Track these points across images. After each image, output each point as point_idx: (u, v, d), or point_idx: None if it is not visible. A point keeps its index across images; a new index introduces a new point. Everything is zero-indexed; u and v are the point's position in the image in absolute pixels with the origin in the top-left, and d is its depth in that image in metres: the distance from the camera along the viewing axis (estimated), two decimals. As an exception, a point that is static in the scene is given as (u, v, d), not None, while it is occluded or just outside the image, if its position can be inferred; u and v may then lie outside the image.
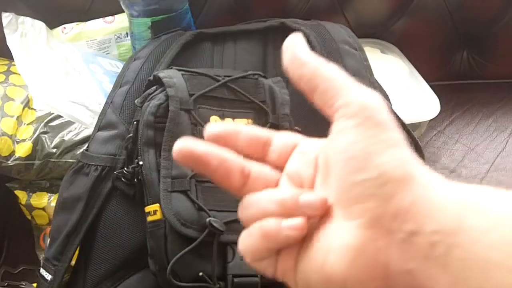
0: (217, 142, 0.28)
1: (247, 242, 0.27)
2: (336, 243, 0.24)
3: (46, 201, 0.74)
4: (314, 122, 0.64)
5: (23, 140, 0.72)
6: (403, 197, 0.23)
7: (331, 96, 0.25)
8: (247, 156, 0.29)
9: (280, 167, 0.30)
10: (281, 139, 0.30)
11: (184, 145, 0.27)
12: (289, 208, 0.26)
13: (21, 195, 0.75)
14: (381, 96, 0.25)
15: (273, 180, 0.29)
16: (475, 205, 0.22)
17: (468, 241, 0.21)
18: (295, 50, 0.27)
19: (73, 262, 0.58)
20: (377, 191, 0.23)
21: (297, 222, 0.25)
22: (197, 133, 0.55)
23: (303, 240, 0.26)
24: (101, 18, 0.85)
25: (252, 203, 0.27)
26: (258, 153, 0.30)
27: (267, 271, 0.27)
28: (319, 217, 0.26)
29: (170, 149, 0.53)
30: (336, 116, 0.25)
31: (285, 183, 0.29)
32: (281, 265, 0.27)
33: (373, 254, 0.23)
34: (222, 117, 0.57)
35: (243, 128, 0.30)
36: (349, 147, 0.24)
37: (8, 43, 0.73)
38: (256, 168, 0.29)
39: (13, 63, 0.78)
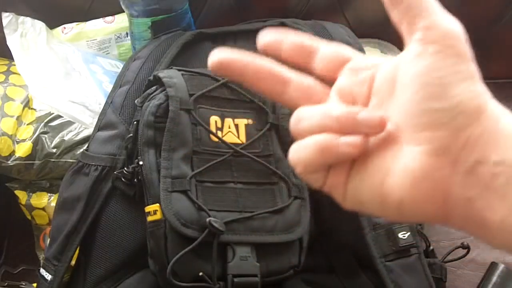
0: (264, 51, 0.29)
1: (300, 154, 0.27)
2: (398, 166, 0.25)
3: (46, 201, 0.74)
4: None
5: (23, 140, 0.72)
6: (473, 129, 0.23)
7: (415, 15, 0.25)
8: (290, 64, 0.29)
9: (325, 79, 0.29)
10: (329, 50, 0.29)
11: (216, 55, 0.28)
12: (346, 124, 0.26)
13: (21, 195, 0.75)
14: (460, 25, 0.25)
15: (318, 93, 0.29)
16: None
17: None
18: None
19: (73, 262, 0.58)
20: (450, 121, 0.23)
21: (354, 139, 0.25)
22: (197, 133, 0.55)
23: (358, 157, 0.27)
24: (101, 18, 0.85)
25: (307, 117, 0.27)
26: (303, 62, 0.30)
27: (315, 183, 0.28)
28: (377, 136, 0.26)
29: (170, 149, 0.53)
30: (415, 37, 0.25)
31: (335, 99, 0.29)
32: (331, 179, 0.27)
33: (436, 180, 0.24)
34: (222, 117, 0.57)
35: (289, 35, 0.29)
36: (427, 73, 0.24)
37: (8, 43, 0.73)
38: (299, 78, 0.29)
39: (13, 63, 0.78)
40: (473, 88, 0.24)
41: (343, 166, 0.27)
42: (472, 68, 0.24)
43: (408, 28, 0.25)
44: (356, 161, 0.27)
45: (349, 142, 0.25)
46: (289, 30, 0.30)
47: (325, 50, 0.29)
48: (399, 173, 0.25)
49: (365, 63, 0.28)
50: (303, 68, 0.30)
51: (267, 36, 0.29)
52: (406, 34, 0.26)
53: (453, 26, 0.25)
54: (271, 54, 0.29)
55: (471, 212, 0.23)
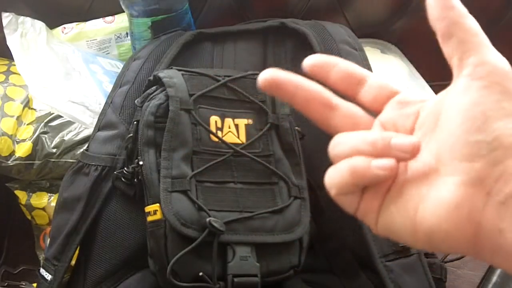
0: (311, 73, 0.30)
1: (334, 176, 0.28)
2: (433, 195, 0.25)
3: (46, 201, 0.74)
4: (314, 122, 0.64)
5: (23, 140, 0.72)
6: (509, 163, 0.24)
7: (466, 50, 0.26)
8: (338, 91, 0.31)
9: (370, 110, 0.31)
10: (378, 82, 0.31)
11: (269, 73, 0.29)
12: (380, 148, 0.27)
13: (21, 195, 0.75)
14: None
15: (364, 122, 0.30)
16: None
17: None
18: None
19: (73, 262, 0.58)
20: (488, 154, 0.24)
21: (386, 162, 0.26)
22: (197, 133, 0.55)
23: (394, 185, 0.28)
24: (101, 18, 0.85)
25: (344, 141, 0.28)
26: (350, 90, 0.31)
27: (349, 207, 0.29)
28: (414, 168, 0.27)
29: (170, 149, 0.53)
30: (464, 72, 0.26)
31: (377, 129, 0.30)
32: (364, 204, 0.28)
33: (469, 211, 0.24)
34: (222, 117, 0.57)
35: (339, 61, 0.31)
36: (472, 107, 0.25)
37: (8, 43, 0.73)
38: (347, 105, 0.30)
39: (13, 63, 0.78)
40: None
41: (377, 192, 0.28)
42: None
43: (458, 63, 0.26)
44: (391, 189, 0.28)
45: (381, 164, 0.26)
46: (338, 58, 0.31)
47: (374, 81, 0.30)
48: (433, 202, 0.25)
49: (413, 98, 0.30)
50: (349, 96, 0.31)
51: (318, 58, 0.30)
52: (455, 67, 0.26)
53: (502, 64, 0.25)
54: (318, 77, 0.30)
55: (502, 244, 0.24)
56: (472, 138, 0.24)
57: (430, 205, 0.25)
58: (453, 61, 0.27)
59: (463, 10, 0.27)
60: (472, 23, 0.26)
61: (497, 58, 0.25)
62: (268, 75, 0.30)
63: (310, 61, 0.30)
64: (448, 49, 0.27)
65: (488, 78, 0.25)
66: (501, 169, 0.24)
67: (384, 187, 0.28)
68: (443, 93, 0.27)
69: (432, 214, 0.25)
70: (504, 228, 0.23)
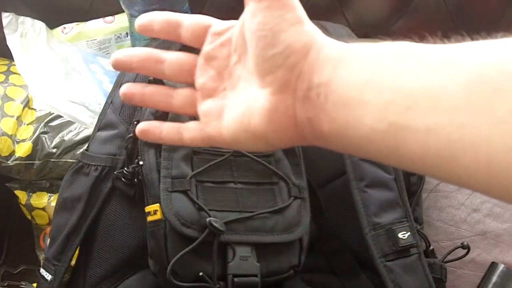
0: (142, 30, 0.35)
1: None
2: (256, 107, 0.30)
3: (46, 201, 0.74)
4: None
5: (23, 140, 0.72)
6: (303, 63, 0.28)
7: None
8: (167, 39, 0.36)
9: (195, 47, 0.35)
10: (191, 20, 0.34)
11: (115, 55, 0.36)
12: None
13: (21, 195, 0.75)
14: None
15: (189, 62, 0.35)
16: (347, 57, 0.27)
17: (338, 86, 0.27)
18: None
19: (73, 262, 0.58)
20: (284, 62, 0.28)
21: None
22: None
23: (224, 99, 0.33)
24: (101, 18, 0.85)
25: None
26: (173, 36, 0.35)
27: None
28: (235, 81, 0.33)
29: (170, 149, 0.53)
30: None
31: (201, 63, 0.34)
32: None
33: (284, 111, 0.29)
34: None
35: (157, 14, 0.35)
36: (260, 27, 0.28)
37: (8, 43, 0.73)
38: (174, 55, 0.36)
39: (13, 63, 0.78)
40: (300, 30, 0.28)
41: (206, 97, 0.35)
42: (298, 13, 0.29)
43: None
44: (225, 105, 0.33)
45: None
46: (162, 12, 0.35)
47: (188, 21, 0.34)
48: (257, 112, 0.30)
49: (222, 26, 0.33)
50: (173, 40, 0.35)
51: (141, 19, 0.35)
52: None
53: None
54: (148, 35, 0.35)
55: (314, 129, 0.29)
56: (268, 53, 0.28)
57: (257, 116, 0.30)
58: None
59: None
60: None
61: None
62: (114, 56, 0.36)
63: (137, 23, 0.35)
64: None
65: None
66: (298, 70, 0.28)
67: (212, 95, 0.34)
68: (242, 16, 0.31)
69: (261, 122, 0.30)
70: (310, 117, 0.28)
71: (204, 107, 0.34)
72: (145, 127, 0.36)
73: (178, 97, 0.36)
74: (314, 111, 0.28)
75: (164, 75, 0.36)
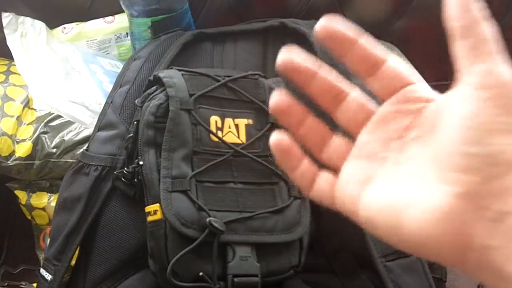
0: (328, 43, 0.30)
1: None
2: (420, 201, 0.25)
3: (46, 201, 0.74)
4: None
5: (23, 140, 0.72)
6: (507, 180, 0.23)
7: (475, 57, 0.25)
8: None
9: (381, 96, 0.30)
10: (393, 67, 0.29)
11: (285, 57, 0.29)
12: None
13: (21, 195, 0.75)
14: None
15: (367, 110, 0.30)
16: None
17: None
18: None
19: (73, 262, 0.58)
20: (486, 168, 0.23)
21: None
22: (198, 133, 0.55)
23: (374, 174, 0.28)
24: (101, 18, 0.85)
25: None
26: (367, 71, 0.30)
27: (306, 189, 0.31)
28: (400, 161, 0.27)
29: (170, 149, 0.53)
30: (469, 79, 0.25)
31: (375, 119, 0.29)
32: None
33: (459, 224, 0.23)
34: (222, 117, 0.57)
35: (357, 40, 0.30)
36: (472, 118, 0.24)
37: (8, 43, 0.73)
38: (355, 95, 0.30)
39: (13, 63, 0.78)
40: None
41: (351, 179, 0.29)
42: None
43: (465, 67, 0.25)
44: (372, 180, 0.28)
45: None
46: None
47: (390, 64, 0.29)
48: (421, 208, 0.25)
49: (422, 94, 0.28)
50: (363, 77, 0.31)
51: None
52: (461, 71, 0.25)
53: (509, 77, 0.24)
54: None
55: (490, 261, 0.23)
56: (470, 150, 0.24)
57: (419, 211, 0.25)
58: (460, 64, 0.25)
59: (481, 14, 0.25)
60: (487, 30, 0.25)
61: (505, 70, 0.24)
62: (285, 59, 0.29)
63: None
64: (457, 51, 0.26)
65: (492, 90, 0.24)
66: (498, 185, 0.23)
67: (358, 173, 0.28)
68: (446, 95, 0.27)
69: (420, 220, 0.24)
70: (494, 246, 0.23)
71: (352, 165, 0.30)
72: (286, 146, 0.30)
73: (333, 144, 0.31)
74: (505, 243, 0.23)
75: (336, 111, 0.31)
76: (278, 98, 0.30)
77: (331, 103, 0.31)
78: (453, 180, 0.24)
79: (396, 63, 0.29)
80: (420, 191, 0.25)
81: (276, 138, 0.30)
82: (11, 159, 0.71)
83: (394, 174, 0.27)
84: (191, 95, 0.56)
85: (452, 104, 0.25)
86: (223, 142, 0.55)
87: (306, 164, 0.31)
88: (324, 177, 0.31)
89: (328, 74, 0.30)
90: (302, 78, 0.30)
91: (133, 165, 0.55)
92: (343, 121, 0.30)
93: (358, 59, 0.29)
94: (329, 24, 0.29)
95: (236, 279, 0.50)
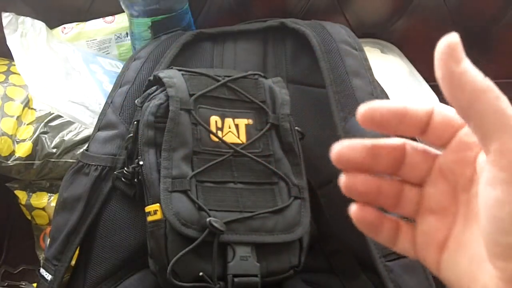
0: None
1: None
2: (482, 278, 0.25)
3: (46, 201, 0.74)
4: (314, 122, 0.64)
5: (23, 140, 0.72)
6: None
7: (486, 135, 0.22)
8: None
9: (440, 145, 0.28)
10: (441, 115, 0.27)
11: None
12: None
13: (21, 195, 0.75)
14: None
15: (429, 157, 0.28)
16: None
17: None
18: (451, 64, 0.22)
19: (73, 262, 0.58)
20: None
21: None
22: (198, 133, 0.55)
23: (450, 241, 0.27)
24: (101, 18, 0.85)
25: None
26: (421, 132, 0.28)
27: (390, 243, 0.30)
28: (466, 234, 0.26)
29: (170, 149, 0.53)
30: (488, 158, 0.23)
31: (436, 168, 0.28)
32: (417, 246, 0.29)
33: None
34: (222, 117, 0.57)
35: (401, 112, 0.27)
36: (498, 205, 0.22)
37: (8, 43, 0.73)
38: (411, 146, 0.29)
39: (13, 63, 0.78)
40: None
41: (429, 241, 0.28)
42: None
43: (483, 148, 0.23)
44: (449, 244, 0.27)
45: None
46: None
47: (437, 114, 0.27)
48: (480, 282, 0.25)
49: (473, 139, 0.26)
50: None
51: (361, 109, 0.27)
52: (481, 147, 0.23)
53: None
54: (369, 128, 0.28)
55: None
56: (502, 239, 0.22)
57: (478, 284, 0.25)
58: (478, 141, 0.23)
59: (481, 84, 0.22)
60: (492, 101, 0.22)
61: None
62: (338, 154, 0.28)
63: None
64: (470, 127, 0.23)
65: (509, 172, 0.22)
66: None
67: (436, 238, 0.28)
68: (483, 175, 0.24)
69: None
70: None
71: (427, 223, 0.28)
72: (370, 219, 0.30)
73: (405, 198, 0.29)
74: None
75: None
76: (349, 180, 0.29)
77: (394, 167, 0.29)
78: (497, 266, 0.23)
79: (442, 110, 0.27)
80: (480, 268, 0.25)
81: (359, 213, 0.29)
82: (11, 159, 0.71)
83: (465, 236, 0.26)
84: (191, 95, 0.56)
85: (482, 187, 0.24)
86: (223, 142, 0.55)
87: (387, 226, 0.30)
88: (404, 235, 0.29)
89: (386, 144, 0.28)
90: (363, 167, 0.29)
91: (133, 165, 0.55)
92: (408, 176, 0.29)
93: (411, 129, 0.27)
94: (369, 111, 0.27)
95: (236, 279, 0.50)
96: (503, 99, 0.22)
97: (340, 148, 0.28)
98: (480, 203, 0.24)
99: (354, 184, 0.29)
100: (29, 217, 0.76)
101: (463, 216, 0.26)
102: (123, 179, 0.56)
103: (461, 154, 0.26)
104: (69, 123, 0.74)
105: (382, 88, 0.67)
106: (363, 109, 0.26)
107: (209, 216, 0.50)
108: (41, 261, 0.73)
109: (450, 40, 0.22)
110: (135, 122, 0.56)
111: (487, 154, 0.23)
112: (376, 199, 0.29)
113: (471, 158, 0.26)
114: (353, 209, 0.29)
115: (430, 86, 0.86)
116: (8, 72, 0.79)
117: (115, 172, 0.57)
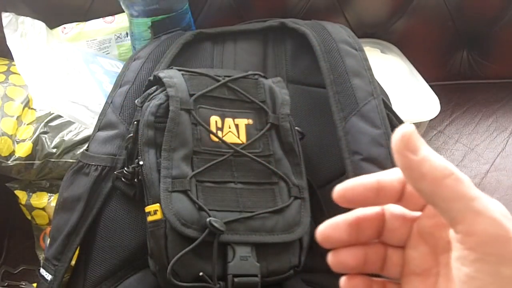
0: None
1: None
2: None
3: (46, 201, 0.74)
4: (314, 122, 0.64)
5: (23, 140, 0.72)
6: None
7: (451, 219, 0.23)
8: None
9: (416, 210, 0.29)
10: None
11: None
12: None
13: (21, 195, 0.75)
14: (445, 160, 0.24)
15: (408, 220, 0.29)
16: None
17: None
18: (408, 154, 0.23)
19: (73, 262, 0.58)
20: None
21: None
22: (198, 133, 0.55)
23: None
24: (101, 18, 0.85)
25: None
26: (396, 201, 0.29)
27: None
28: None
29: (170, 149, 0.53)
30: (457, 238, 0.24)
31: (414, 231, 0.29)
32: None
33: None
34: (223, 117, 0.57)
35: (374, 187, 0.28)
36: (468, 281, 0.23)
37: (8, 43, 0.73)
38: (391, 209, 0.30)
39: (13, 63, 0.78)
40: None
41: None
42: None
43: (449, 225, 0.24)
44: None
45: None
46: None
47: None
48: None
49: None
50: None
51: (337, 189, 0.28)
52: (449, 226, 0.24)
53: (493, 229, 0.23)
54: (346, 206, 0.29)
55: None
56: None
57: None
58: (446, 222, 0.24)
59: (441, 171, 0.23)
60: (453, 186, 0.23)
61: (486, 224, 0.23)
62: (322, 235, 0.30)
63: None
64: (437, 209, 0.24)
65: (479, 250, 0.23)
66: None
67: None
68: (453, 249, 0.25)
69: None
70: None
71: (410, 285, 0.29)
72: (351, 286, 0.31)
73: (390, 261, 0.31)
74: None
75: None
76: (337, 258, 0.30)
77: (376, 234, 0.30)
78: None
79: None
80: None
81: (349, 285, 0.31)
82: (11, 159, 0.71)
83: None
84: (191, 95, 0.56)
85: (454, 264, 0.25)
86: (223, 142, 0.55)
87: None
88: None
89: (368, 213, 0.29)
90: (350, 242, 0.30)
91: (133, 165, 0.55)
92: (389, 240, 0.30)
93: (388, 200, 0.28)
94: (343, 190, 0.27)
95: (236, 279, 0.50)
96: (464, 179, 0.23)
97: (324, 229, 0.29)
98: (453, 275, 0.24)
99: (345, 261, 0.30)
100: (29, 217, 0.76)
101: (445, 276, 0.27)
102: (123, 179, 0.56)
103: (437, 218, 0.27)
104: (69, 123, 0.74)
105: (382, 88, 0.67)
106: (336, 191, 0.27)
107: (209, 216, 0.50)
108: (41, 261, 0.73)
109: (404, 131, 0.23)
110: (135, 122, 0.56)
111: (455, 233, 0.24)
112: (364, 268, 0.30)
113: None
114: (343, 282, 0.30)
115: (430, 86, 0.86)
116: (8, 72, 0.79)
117: (115, 172, 0.57)
